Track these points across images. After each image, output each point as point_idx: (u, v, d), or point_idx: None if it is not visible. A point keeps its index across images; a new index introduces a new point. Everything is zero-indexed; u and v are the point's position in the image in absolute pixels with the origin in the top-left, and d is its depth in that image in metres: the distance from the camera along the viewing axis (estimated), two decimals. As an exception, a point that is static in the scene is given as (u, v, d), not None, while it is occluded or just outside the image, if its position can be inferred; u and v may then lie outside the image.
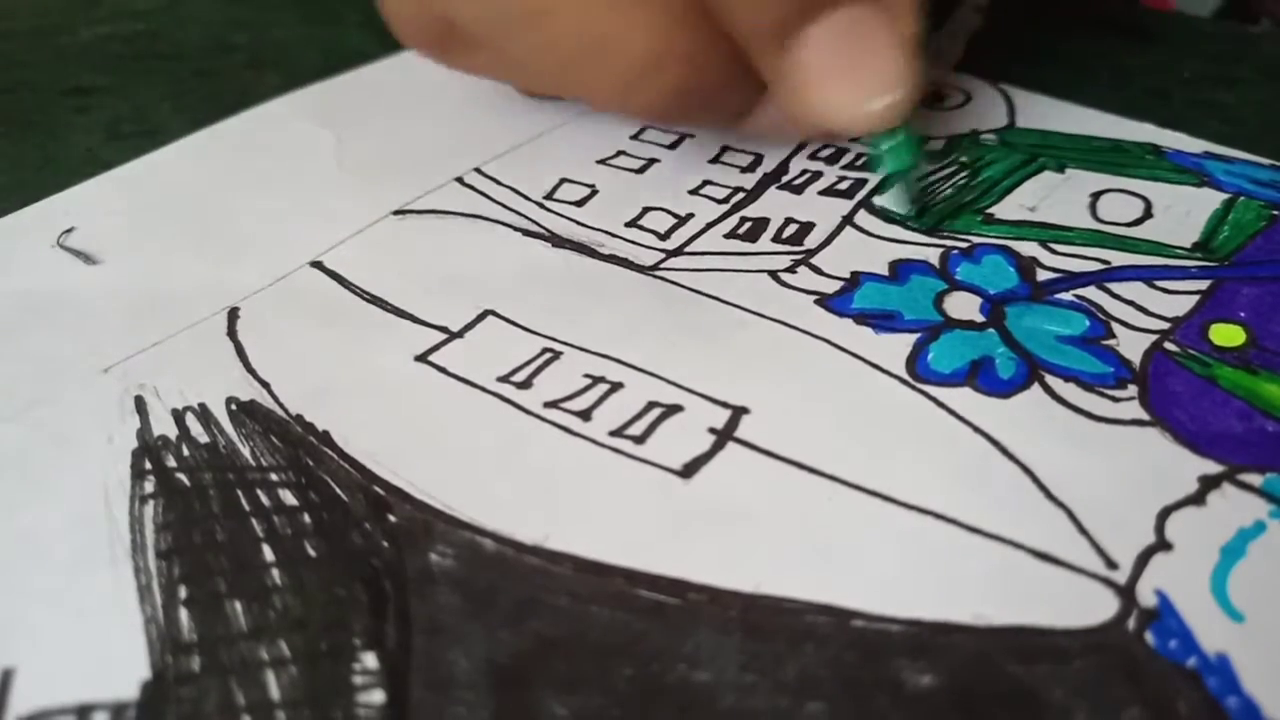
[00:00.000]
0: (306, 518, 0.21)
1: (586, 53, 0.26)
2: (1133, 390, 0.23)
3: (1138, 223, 0.28)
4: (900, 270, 0.27)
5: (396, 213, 0.29)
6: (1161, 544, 0.20)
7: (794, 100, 0.26)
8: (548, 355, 0.24)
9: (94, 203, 0.29)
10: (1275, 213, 0.28)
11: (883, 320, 0.25)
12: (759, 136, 0.31)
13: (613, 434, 0.22)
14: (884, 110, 0.25)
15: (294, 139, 0.32)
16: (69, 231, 0.28)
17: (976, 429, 0.22)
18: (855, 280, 0.26)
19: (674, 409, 0.23)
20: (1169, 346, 0.24)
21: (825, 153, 0.31)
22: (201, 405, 0.23)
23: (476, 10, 0.26)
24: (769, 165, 0.31)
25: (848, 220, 0.28)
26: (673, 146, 0.32)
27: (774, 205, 0.29)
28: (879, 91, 0.25)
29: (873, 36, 0.25)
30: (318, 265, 0.27)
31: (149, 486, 0.21)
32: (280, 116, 0.33)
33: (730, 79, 0.26)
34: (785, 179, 0.30)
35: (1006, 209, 0.29)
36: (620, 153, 0.31)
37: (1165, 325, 0.25)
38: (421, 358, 0.24)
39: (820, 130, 0.27)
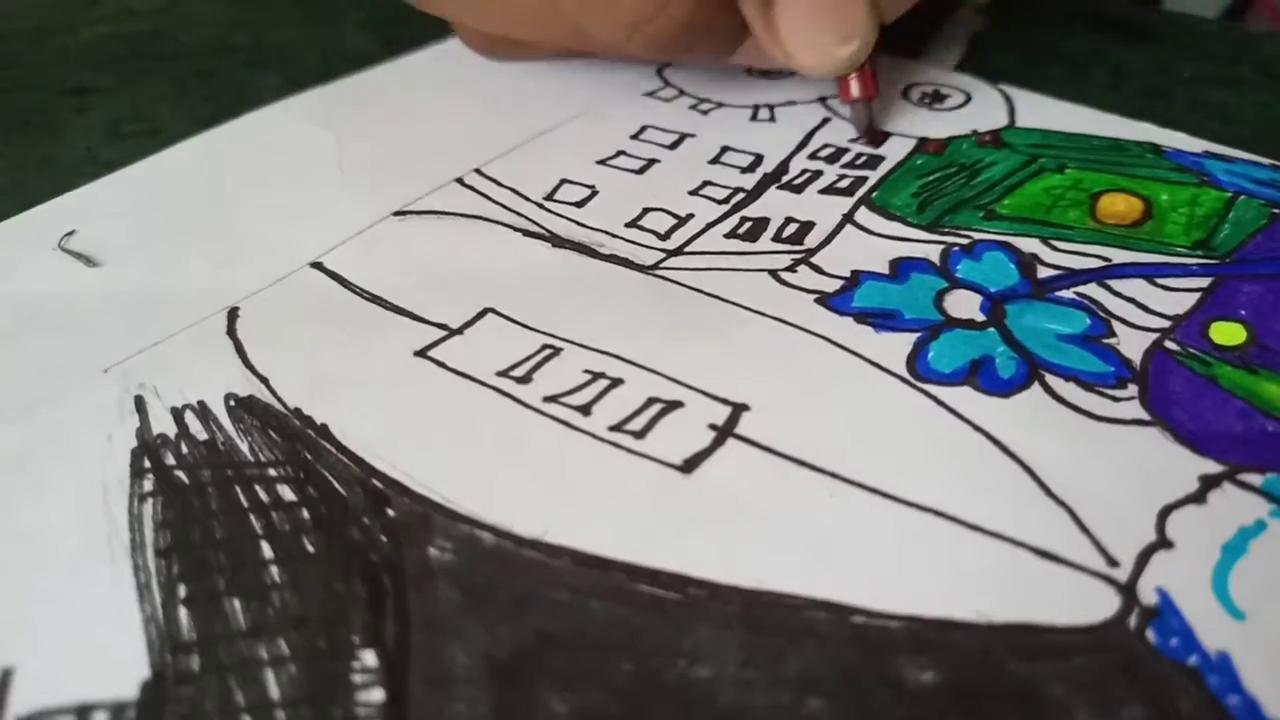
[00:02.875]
0: (305, 513, 0.21)
1: None
2: (1133, 390, 0.23)
3: (1138, 223, 0.28)
4: (901, 268, 0.27)
5: (397, 214, 0.29)
6: (1162, 542, 0.20)
7: (769, 41, 0.28)
8: (548, 351, 0.24)
9: (95, 205, 0.29)
10: (1276, 211, 0.28)
11: (883, 319, 0.25)
12: (739, 64, 0.32)
13: (613, 429, 0.22)
14: (848, 56, 0.28)
15: (295, 141, 0.32)
16: (70, 234, 0.28)
17: (977, 428, 0.22)
18: (855, 279, 0.26)
19: (674, 405, 0.23)
20: (1169, 345, 0.24)
21: (825, 152, 0.31)
22: (200, 403, 0.23)
23: None
24: (769, 165, 0.31)
25: (848, 218, 0.28)
26: (673, 147, 0.32)
27: (774, 205, 0.29)
28: (844, 39, 0.28)
29: None
30: (318, 266, 0.27)
31: (148, 485, 0.21)
32: (281, 119, 0.33)
33: (727, 11, 0.29)
34: (785, 179, 0.30)
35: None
36: (620, 153, 0.31)
37: (1166, 323, 0.25)
38: (421, 353, 0.24)
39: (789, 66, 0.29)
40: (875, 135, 0.32)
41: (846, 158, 0.31)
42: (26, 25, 0.39)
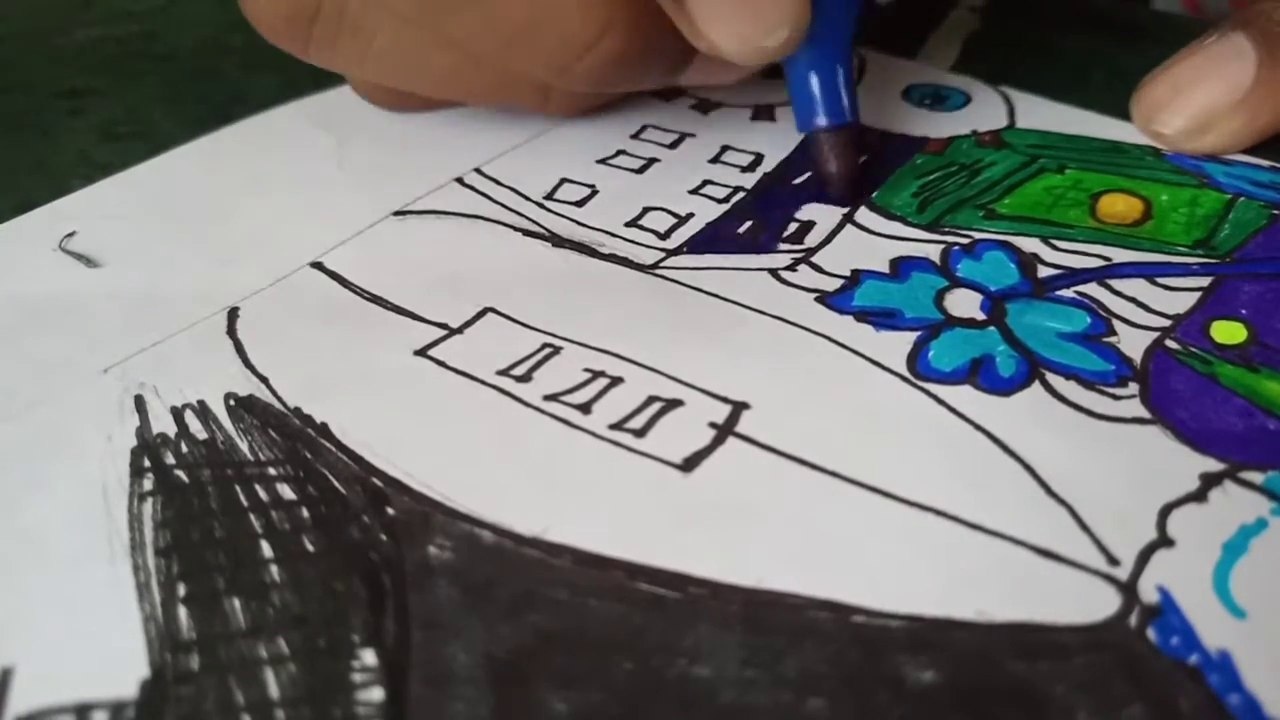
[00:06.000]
0: (305, 512, 0.21)
1: (526, 30, 0.26)
2: (1134, 388, 0.23)
3: (1138, 223, 0.28)
4: (901, 267, 0.27)
5: (397, 213, 0.29)
6: (1163, 540, 0.20)
7: (698, 40, 0.26)
8: (547, 350, 0.24)
9: (96, 207, 0.29)
10: (1276, 212, 0.28)
11: (883, 318, 0.25)
12: (694, 86, 0.31)
13: (613, 427, 0.22)
14: (777, 47, 0.26)
15: (295, 143, 0.32)
16: (70, 235, 0.28)
17: (977, 426, 0.22)
18: (856, 278, 0.26)
19: (674, 403, 0.23)
20: (1170, 344, 0.24)
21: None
22: (200, 402, 0.23)
23: None
24: (769, 165, 0.31)
25: (848, 218, 0.28)
26: (673, 146, 0.32)
27: (775, 204, 0.29)
28: (770, 28, 0.25)
29: None
30: (318, 266, 0.27)
31: (148, 484, 0.21)
32: (282, 123, 0.33)
33: (664, 37, 0.27)
34: (786, 178, 0.30)
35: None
36: (620, 152, 0.31)
37: (1166, 322, 0.25)
38: (421, 353, 0.24)
39: (735, 67, 0.27)
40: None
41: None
42: (19, 27, 0.39)
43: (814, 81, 0.28)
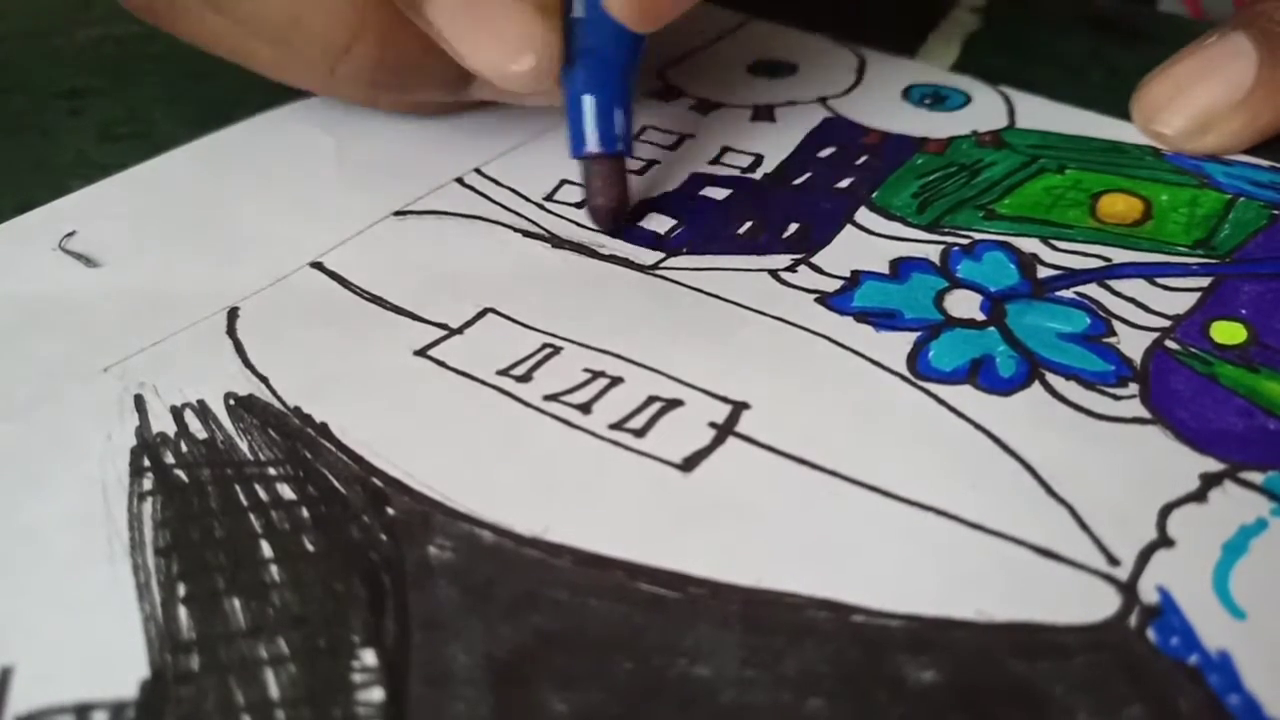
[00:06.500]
0: (305, 512, 0.21)
1: (290, 27, 0.27)
2: (1134, 388, 0.23)
3: (1138, 223, 0.28)
4: (901, 268, 0.27)
5: (397, 214, 0.29)
6: (1163, 541, 0.20)
7: (460, 60, 0.26)
8: (548, 350, 0.24)
9: (96, 206, 0.29)
10: (1276, 213, 0.28)
11: (883, 318, 0.25)
12: (493, 99, 0.30)
13: (613, 427, 0.22)
14: (526, 73, 0.25)
15: (295, 143, 0.32)
16: (70, 235, 0.28)
17: (978, 426, 0.22)
18: (855, 279, 0.26)
19: (674, 403, 0.23)
20: (1170, 344, 0.24)
21: (825, 153, 0.31)
22: (200, 402, 0.23)
23: None
24: (769, 166, 0.31)
25: (848, 218, 0.28)
26: (673, 147, 0.32)
27: (774, 205, 0.29)
28: (514, 53, 0.25)
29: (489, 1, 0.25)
30: (318, 266, 0.27)
31: (147, 484, 0.21)
32: (282, 123, 0.33)
33: (431, 48, 0.27)
34: (785, 179, 0.30)
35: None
36: (620, 154, 0.31)
37: (1166, 323, 0.25)
38: (421, 353, 0.24)
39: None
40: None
41: (847, 158, 0.31)
42: (19, 27, 0.39)
43: (588, 107, 0.27)
